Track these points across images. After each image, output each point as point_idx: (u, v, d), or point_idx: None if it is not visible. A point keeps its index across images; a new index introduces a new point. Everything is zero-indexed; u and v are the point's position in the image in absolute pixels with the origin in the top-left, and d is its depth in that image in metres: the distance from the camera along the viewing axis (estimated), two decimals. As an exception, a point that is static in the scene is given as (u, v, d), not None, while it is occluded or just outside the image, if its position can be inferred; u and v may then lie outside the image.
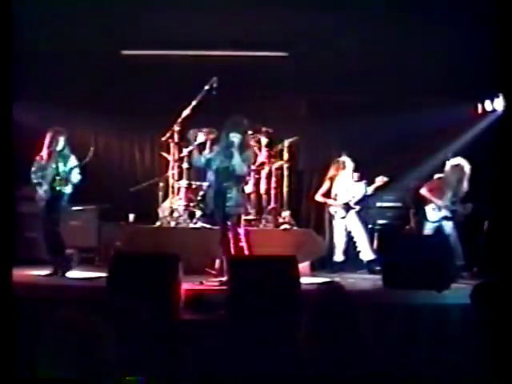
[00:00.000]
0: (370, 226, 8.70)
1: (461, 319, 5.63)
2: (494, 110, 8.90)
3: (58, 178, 7.07)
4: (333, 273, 7.95)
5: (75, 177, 7.16)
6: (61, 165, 7.10)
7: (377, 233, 8.48)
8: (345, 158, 8.37)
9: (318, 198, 8.50)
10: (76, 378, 1.79)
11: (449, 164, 8.06)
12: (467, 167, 7.87)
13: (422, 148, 8.85)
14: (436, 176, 8.18)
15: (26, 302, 4.93)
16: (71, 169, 7.12)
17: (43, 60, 8.41)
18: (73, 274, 7.21)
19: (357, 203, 8.30)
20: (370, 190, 8.30)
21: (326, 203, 8.44)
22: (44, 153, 7.14)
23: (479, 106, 9.18)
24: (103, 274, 5.82)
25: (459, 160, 7.99)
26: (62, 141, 7.15)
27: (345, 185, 8.33)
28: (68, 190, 7.15)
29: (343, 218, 8.31)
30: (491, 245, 7.97)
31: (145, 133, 9.83)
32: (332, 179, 8.42)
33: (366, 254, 8.19)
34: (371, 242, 8.35)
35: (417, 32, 7.73)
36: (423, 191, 8.04)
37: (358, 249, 8.26)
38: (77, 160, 7.20)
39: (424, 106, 8.96)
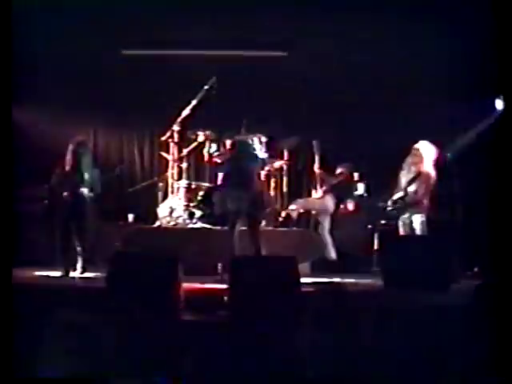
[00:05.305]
0: (369, 226, 8.74)
1: (461, 319, 5.64)
2: (494, 110, 8.90)
3: (82, 184, 7.14)
4: (333, 273, 7.94)
5: (97, 187, 7.30)
6: (86, 174, 7.16)
7: (377, 233, 8.46)
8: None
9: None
10: (76, 378, 1.79)
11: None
12: (428, 151, 7.21)
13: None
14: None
15: (26, 302, 4.93)
16: (94, 179, 7.25)
17: (43, 60, 8.41)
18: (73, 273, 7.22)
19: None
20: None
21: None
22: (67, 164, 7.12)
23: (479, 106, 9.17)
24: (103, 274, 5.82)
25: (421, 144, 7.32)
26: (86, 151, 7.23)
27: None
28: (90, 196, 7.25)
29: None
30: (491, 245, 7.97)
31: (144, 133, 9.83)
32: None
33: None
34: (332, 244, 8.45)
35: (417, 32, 7.73)
36: None
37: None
38: (99, 172, 7.38)
39: (424, 106, 8.95)
